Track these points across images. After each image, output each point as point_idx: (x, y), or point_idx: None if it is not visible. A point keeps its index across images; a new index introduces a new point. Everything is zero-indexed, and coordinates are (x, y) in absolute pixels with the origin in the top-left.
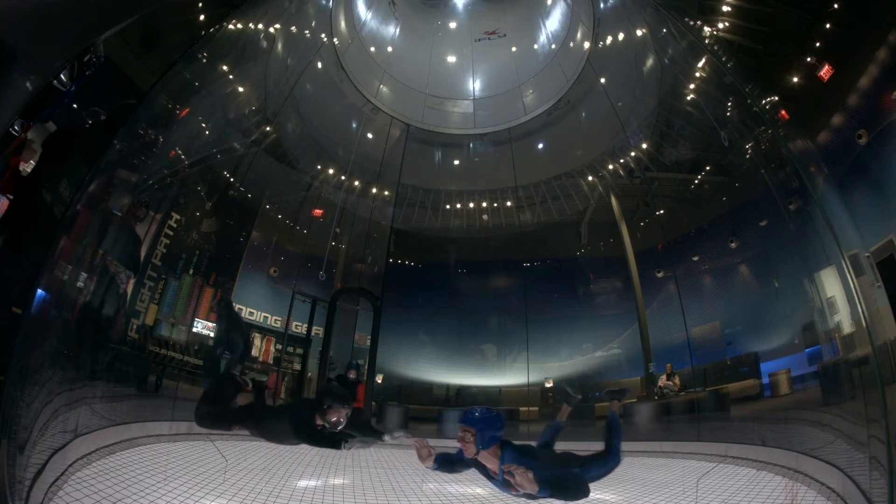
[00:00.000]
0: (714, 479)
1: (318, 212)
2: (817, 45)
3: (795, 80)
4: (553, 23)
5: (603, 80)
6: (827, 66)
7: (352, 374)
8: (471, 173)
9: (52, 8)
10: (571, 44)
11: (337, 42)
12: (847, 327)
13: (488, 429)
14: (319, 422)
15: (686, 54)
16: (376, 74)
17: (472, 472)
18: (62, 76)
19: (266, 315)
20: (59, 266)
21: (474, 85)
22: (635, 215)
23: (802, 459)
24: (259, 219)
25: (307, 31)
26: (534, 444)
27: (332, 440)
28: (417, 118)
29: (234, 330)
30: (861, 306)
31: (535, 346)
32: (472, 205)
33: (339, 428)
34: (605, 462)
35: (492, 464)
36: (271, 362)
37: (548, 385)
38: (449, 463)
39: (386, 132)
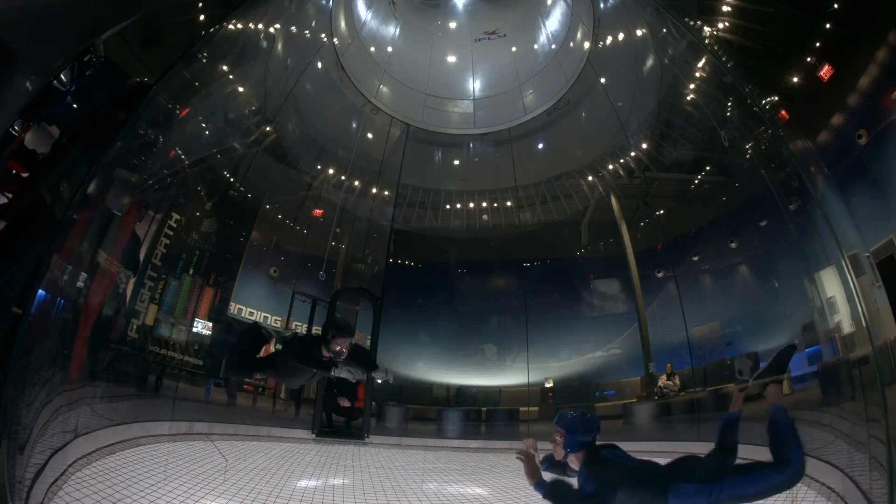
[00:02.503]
0: None
1: (318, 212)
2: (817, 45)
3: (795, 80)
4: (553, 23)
5: (603, 81)
6: (827, 66)
7: None
8: (471, 173)
9: (52, 8)
10: (571, 44)
11: (337, 42)
12: (847, 327)
13: (575, 432)
14: (326, 354)
15: (686, 54)
16: (376, 74)
17: (472, 472)
18: (62, 76)
19: (266, 315)
20: (59, 266)
21: (474, 85)
22: (635, 215)
23: None
24: (259, 219)
25: (307, 31)
26: (625, 455)
27: (323, 364)
28: (417, 118)
29: (231, 333)
30: (861, 306)
31: (535, 346)
32: (472, 205)
33: (342, 358)
34: (759, 478)
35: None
36: None
37: (548, 385)
38: (559, 465)
39: (386, 132)
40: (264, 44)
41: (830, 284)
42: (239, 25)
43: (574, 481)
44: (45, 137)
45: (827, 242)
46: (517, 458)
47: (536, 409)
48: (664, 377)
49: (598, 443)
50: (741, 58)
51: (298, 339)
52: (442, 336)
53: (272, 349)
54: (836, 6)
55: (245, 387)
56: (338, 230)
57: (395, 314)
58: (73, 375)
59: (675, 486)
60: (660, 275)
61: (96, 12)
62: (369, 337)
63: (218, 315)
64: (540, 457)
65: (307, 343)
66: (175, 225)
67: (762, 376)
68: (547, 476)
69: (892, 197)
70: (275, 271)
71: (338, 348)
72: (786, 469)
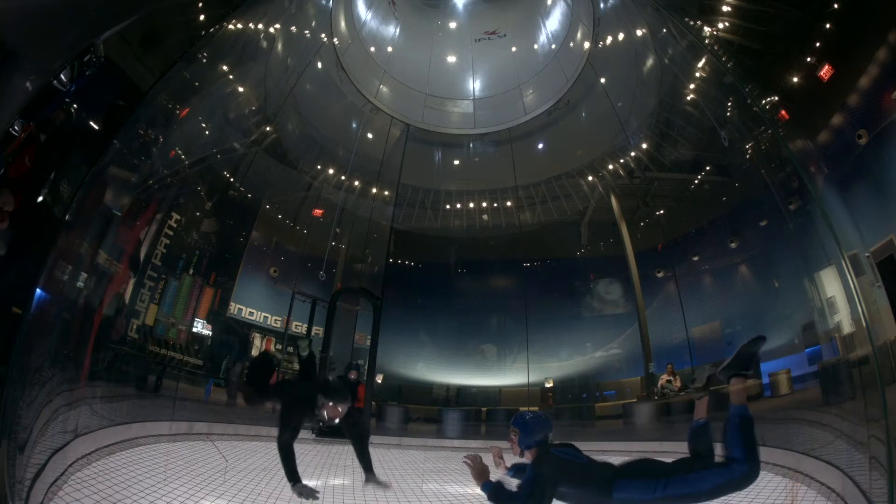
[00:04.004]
0: None
1: (318, 212)
2: (817, 45)
3: (795, 80)
4: (553, 23)
5: (603, 80)
6: (827, 66)
7: (352, 375)
8: (471, 173)
9: (52, 8)
10: (571, 44)
11: (337, 42)
12: (847, 327)
13: (528, 431)
14: (318, 415)
15: (686, 54)
16: (376, 74)
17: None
18: (62, 76)
19: (266, 315)
20: (59, 266)
21: (474, 85)
22: (635, 215)
23: (802, 459)
24: (259, 219)
25: (307, 31)
26: (577, 454)
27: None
28: (417, 118)
29: (231, 333)
30: (861, 306)
31: (535, 346)
32: (472, 205)
33: (335, 422)
34: (705, 477)
35: None
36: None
37: (548, 385)
38: (524, 470)
39: (386, 132)
40: (264, 44)
41: (830, 284)
42: (239, 25)
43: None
44: None
45: (827, 242)
46: (464, 462)
47: (536, 409)
48: (665, 377)
49: (553, 442)
50: (741, 58)
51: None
52: (442, 336)
53: (272, 349)
54: (836, 6)
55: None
56: (338, 230)
57: (395, 314)
58: (73, 375)
59: (620, 481)
60: (660, 275)
61: (96, 12)
62: (369, 337)
63: (218, 315)
64: (508, 463)
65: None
66: (175, 225)
67: (724, 373)
68: (494, 478)
69: (892, 197)
70: (275, 271)
71: (331, 414)
72: (733, 470)
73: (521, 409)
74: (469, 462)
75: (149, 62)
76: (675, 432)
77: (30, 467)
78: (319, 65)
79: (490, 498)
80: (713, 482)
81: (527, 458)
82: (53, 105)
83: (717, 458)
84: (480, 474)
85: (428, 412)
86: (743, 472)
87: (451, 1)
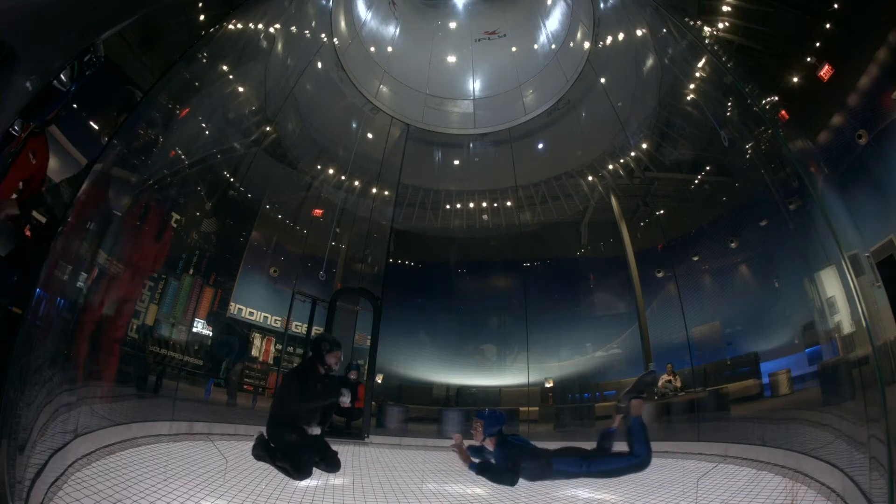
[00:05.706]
0: (714, 479)
1: (318, 212)
2: (817, 45)
3: (795, 80)
4: (553, 23)
5: (603, 80)
6: (827, 66)
7: (352, 375)
8: (471, 173)
9: (52, 8)
10: (571, 44)
11: (337, 42)
12: (847, 327)
13: (491, 423)
14: (321, 370)
15: (686, 54)
16: (376, 74)
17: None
18: (62, 76)
19: (266, 315)
20: (59, 266)
21: (474, 85)
22: (635, 215)
23: (802, 459)
24: (259, 219)
25: (307, 31)
26: (525, 441)
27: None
28: (417, 118)
29: (231, 333)
30: (861, 306)
31: (535, 346)
32: (472, 205)
33: (335, 370)
34: (616, 461)
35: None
36: (271, 362)
37: (548, 385)
38: (479, 451)
39: (386, 132)
40: (264, 44)
41: (830, 284)
42: (239, 25)
43: (492, 459)
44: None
45: (827, 242)
46: (451, 450)
47: (536, 409)
48: (665, 377)
49: (505, 432)
50: (741, 58)
51: (291, 375)
52: (442, 336)
53: (271, 349)
54: (836, 6)
55: (245, 387)
56: (338, 230)
57: (395, 314)
58: (73, 375)
59: (559, 458)
60: (660, 275)
61: (96, 12)
62: (369, 337)
63: (218, 315)
64: (465, 444)
65: (301, 373)
66: (175, 225)
67: (625, 396)
68: (476, 459)
69: (892, 197)
70: (275, 271)
71: (332, 361)
72: (633, 458)
73: (519, 407)
74: (456, 451)
75: (149, 62)
76: (674, 432)
77: (30, 467)
78: (319, 65)
79: (479, 473)
80: (622, 464)
81: (487, 444)
82: (53, 105)
83: (623, 450)
84: (465, 459)
85: (428, 412)
86: (641, 458)
87: (451, 1)
